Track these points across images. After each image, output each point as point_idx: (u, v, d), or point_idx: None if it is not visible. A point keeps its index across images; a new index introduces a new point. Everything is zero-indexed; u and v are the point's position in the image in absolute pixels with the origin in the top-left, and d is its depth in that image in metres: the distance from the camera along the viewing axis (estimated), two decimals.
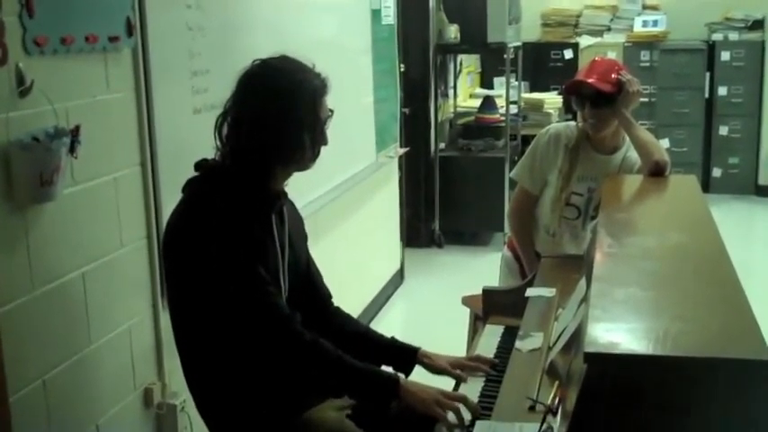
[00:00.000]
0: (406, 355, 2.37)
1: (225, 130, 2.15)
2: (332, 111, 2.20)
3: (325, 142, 2.20)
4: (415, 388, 2.11)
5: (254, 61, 2.17)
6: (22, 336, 2.15)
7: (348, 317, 2.50)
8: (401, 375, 2.21)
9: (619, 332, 1.62)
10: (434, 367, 2.35)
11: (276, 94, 2.10)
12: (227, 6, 3.10)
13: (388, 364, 2.37)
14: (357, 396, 2.18)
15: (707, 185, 7.99)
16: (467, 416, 2.05)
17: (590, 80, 3.15)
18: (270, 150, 2.12)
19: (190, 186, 2.17)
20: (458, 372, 2.33)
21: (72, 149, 2.17)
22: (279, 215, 2.23)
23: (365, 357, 2.36)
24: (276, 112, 2.09)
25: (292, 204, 2.38)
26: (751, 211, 7.80)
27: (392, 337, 2.43)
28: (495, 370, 2.33)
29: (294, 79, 2.12)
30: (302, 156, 2.17)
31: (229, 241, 2.05)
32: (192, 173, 2.18)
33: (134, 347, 2.65)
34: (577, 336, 1.91)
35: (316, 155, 2.20)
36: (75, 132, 2.18)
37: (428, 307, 5.45)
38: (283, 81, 2.12)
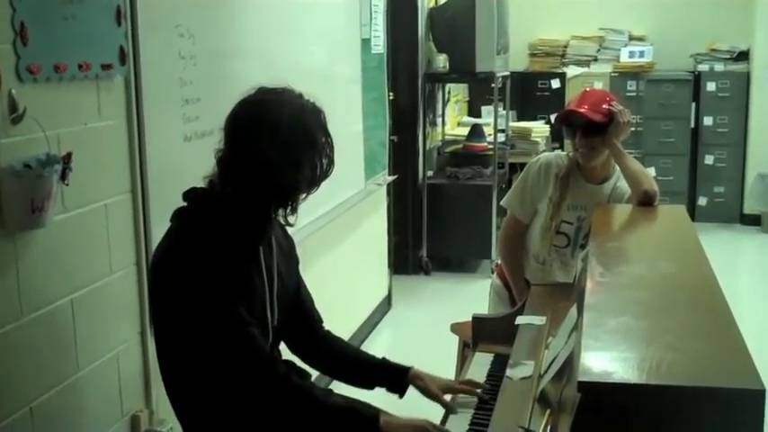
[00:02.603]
0: (398, 376, 2.36)
1: (215, 162, 2.12)
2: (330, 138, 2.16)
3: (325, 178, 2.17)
4: (394, 428, 2.10)
5: (255, 94, 2.13)
6: (10, 362, 2.14)
7: (339, 340, 2.50)
8: (383, 409, 2.18)
9: (612, 361, 1.63)
10: (426, 392, 2.34)
11: (276, 134, 2.05)
12: (219, 35, 3.12)
13: (380, 386, 2.38)
14: None
15: (692, 214, 8.02)
16: None
17: (581, 110, 3.17)
18: (268, 188, 2.09)
19: (177, 217, 2.15)
20: (447, 401, 2.33)
21: (63, 176, 2.17)
22: (267, 243, 2.22)
23: (357, 380, 2.38)
24: (276, 153, 2.04)
25: (283, 228, 2.35)
26: (736, 240, 7.84)
27: (383, 358, 2.43)
28: (487, 395, 2.33)
29: (295, 120, 2.07)
30: (298, 196, 2.14)
31: (212, 281, 2.03)
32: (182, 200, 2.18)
33: (122, 374, 2.64)
34: (569, 364, 1.91)
35: (311, 192, 2.17)
36: (66, 159, 2.18)
37: (416, 334, 5.43)
38: (284, 120, 2.07)
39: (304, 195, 2.17)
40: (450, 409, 2.30)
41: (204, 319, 2.03)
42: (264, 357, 2.10)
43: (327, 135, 2.13)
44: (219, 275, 2.04)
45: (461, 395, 2.38)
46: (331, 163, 2.15)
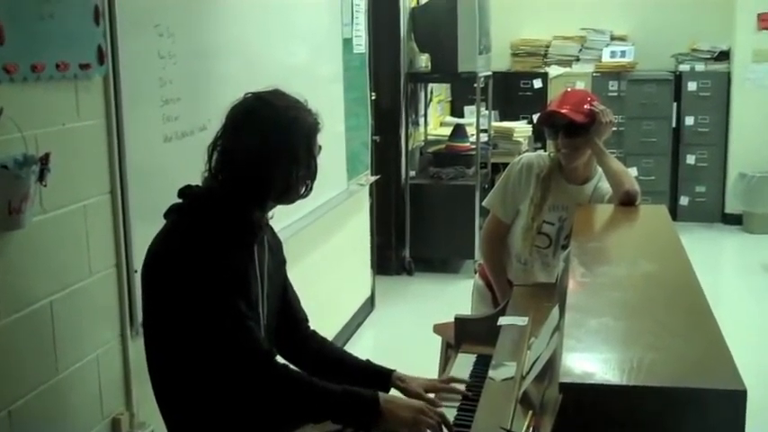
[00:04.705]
0: (381, 379, 2.39)
1: (214, 159, 2.13)
2: (320, 147, 2.20)
3: (315, 178, 2.21)
4: (394, 407, 2.12)
5: (247, 95, 2.16)
6: None
7: (324, 340, 2.52)
8: (381, 395, 2.19)
9: (593, 362, 1.62)
10: (408, 392, 2.36)
11: (272, 132, 2.09)
12: (198, 34, 3.10)
13: (362, 387, 2.37)
14: (341, 421, 2.17)
15: (674, 214, 8.05)
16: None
17: (563, 111, 3.17)
18: (263, 186, 2.12)
19: (173, 214, 2.15)
20: (431, 397, 2.34)
21: (41, 177, 2.15)
22: (260, 243, 2.23)
23: (340, 380, 2.37)
24: (271, 150, 2.09)
25: (271, 229, 2.37)
26: (718, 240, 7.88)
27: (367, 360, 2.45)
28: (469, 399, 2.33)
29: (289, 116, 2.12)
30: (295, 193, 2.18)
31: (211, 277, 2.03)
32: (162, 200, 2.17)
33: (102, 377, 2.61)
34: (551, 365, 1.91)
35: (308, 190, 2.21)
36: (44, 160, 2.16)
37: (399, 334, 5.43)
38: (279, 118, 2.10)
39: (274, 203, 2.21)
40: (433, 405, 2.30)
41: (204, 314, 2.03)
42: (263, 350, 2.11)
43: (310, 158, 2.16)
44: (219, 270, 2.05)
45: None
46: (305, 182, 2.19)
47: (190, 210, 2.14)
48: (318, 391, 2.12)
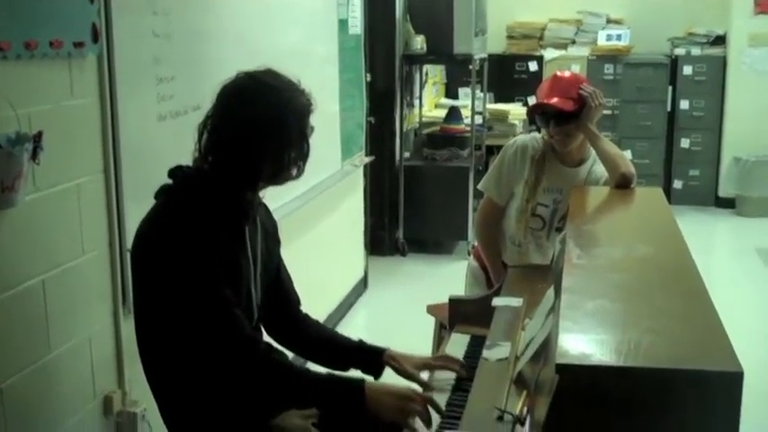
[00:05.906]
0: (373, 358, 2.37)
1: (204, 139, 2.10)
2: (313, 128, 2.17)
3: (307, 159, 2.18)
4: (379, 394, 2.10)
5: (239, 73, 2.12)
6: None
7: (315, 322, 2.50)
8: (367, 379, 2.19)
9: (590, 343, 1.62)
10: (401, 372, 2.35)
11: (264, 113, 2.06)
12: (193, 14, 3.08)
13: (355, 368, 2.38)
14: (326, 408, 2.16)
15: (668, 197, 7.92)
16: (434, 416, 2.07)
17: (552, 102, 3.15)
18: (254, 168, 2.09)
19: (163, 195, 2.13)
20: (424, 379, 2.33)
21: (34, 156, 2.13)
22: (252, 223, 2.21)
23: (333, 362, 2.39)
24: (263, 131, 2.06)
25: (266, 209, 2.36)
26: (711, 223, 7.89)
27: (359, 340, 2.43)
28: (463, 379, 2.32)
29: (282, 97, 2.09)
30: (288, 173, 2.15)
31: (197, 262, 2.01)
32: (156, 180, 2.15)
33: (94, 355, 2.61)
34: (546, 346, 1.90)
35: (301, 171, 2.18)
36: (37, 138, 2.14)
37: (391, 315, 5.44)
38: (272, 99, 2.07)
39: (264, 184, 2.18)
40: (426, 388, 2.30)
41: (189, 298, 2.02)
42: (247, 338, 2.10)
43: (303, 139, 2.13)
44: (205, 255, 2.03)
45: (438, 372, 2.38)
46: (297, 163, 2.15)
47: (179, 191, 2.11)
48: (303, 377, 2.12)
